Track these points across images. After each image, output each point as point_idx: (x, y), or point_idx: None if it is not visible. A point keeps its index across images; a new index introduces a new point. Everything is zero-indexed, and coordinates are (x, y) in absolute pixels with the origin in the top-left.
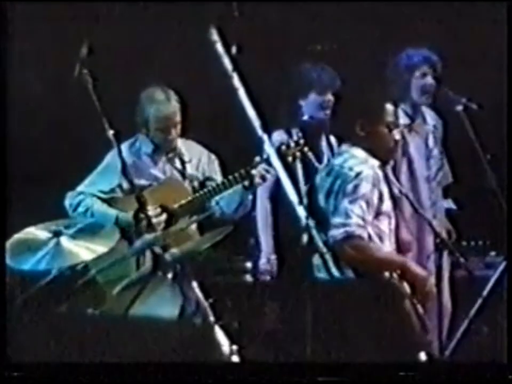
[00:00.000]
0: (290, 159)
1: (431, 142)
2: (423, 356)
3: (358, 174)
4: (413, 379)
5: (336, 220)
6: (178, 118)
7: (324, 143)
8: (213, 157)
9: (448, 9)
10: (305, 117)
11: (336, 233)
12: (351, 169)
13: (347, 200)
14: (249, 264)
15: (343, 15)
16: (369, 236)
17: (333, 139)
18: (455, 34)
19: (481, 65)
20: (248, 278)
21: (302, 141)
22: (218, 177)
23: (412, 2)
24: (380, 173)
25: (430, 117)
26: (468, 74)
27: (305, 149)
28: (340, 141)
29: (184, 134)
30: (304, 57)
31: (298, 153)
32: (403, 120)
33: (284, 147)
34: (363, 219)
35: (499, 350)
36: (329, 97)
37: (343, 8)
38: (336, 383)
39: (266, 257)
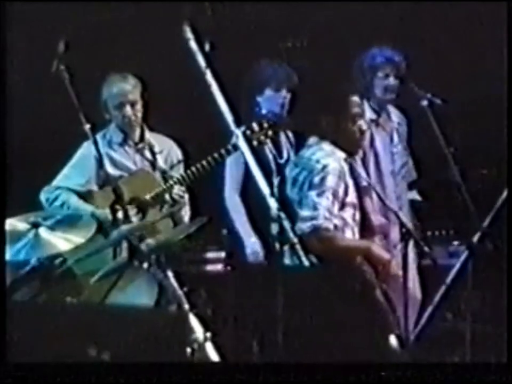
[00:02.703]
0: (255, 143)
1: (395, 138)
2: (393, 339)
3: (324, 167)
4: (412, 379)
5: (304, 212)
6: (134, 97)
7: (282, 138)
8: (179, 151)
9: (413, 8)
10: (263, 112)
11: (304, 226)
12: (318, 161)
13: (314, 192)
14: (222, 254)
15: (313, 13)
16: (335, 226)
17: (290, 134)
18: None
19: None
20: (221, 267)
21: (266, 125)
22: (181, 170)
23: (380, 2)
24: (346, 166)
25: (395, 114)
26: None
27: (270, 132)
28: (299, 135)
29: (146, 120)
30: (275, 53)
31: (263, 137)
32: (370, 114)
33: (249, 131)
34: (329, 211)
35: (499, 350)
36: (285, 93)
37: (313, 7)
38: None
39: (249, 241)
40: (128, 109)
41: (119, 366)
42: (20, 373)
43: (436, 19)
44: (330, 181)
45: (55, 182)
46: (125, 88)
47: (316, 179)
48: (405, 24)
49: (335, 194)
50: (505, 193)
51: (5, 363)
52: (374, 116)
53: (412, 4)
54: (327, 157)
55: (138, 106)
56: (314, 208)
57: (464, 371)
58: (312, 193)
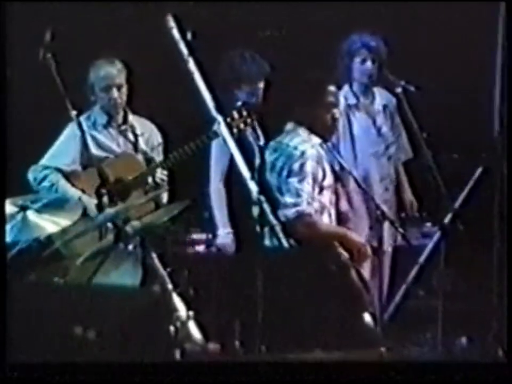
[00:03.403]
0: (235, 130)
1: (379, 120)
2: (367, 317)
3: (303, 153)
4: (412, 378)
5: (287, 199)
6: (120, 80)
7: (259, 126)
8: (159, 134)
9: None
10: (239, 103)
11: (289, 213)
12: (295, 148)
13: (296, 179)
14: (204, 236)
15: (292, 2)
16: (315, 210)
17: (265, 122)
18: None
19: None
20: (203, 248)
21: (245, 113)
22: (160, 154)
23: None
24: (322, 151)
25: (381, 97)
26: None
27: (249, 120)
28: (275, 124)
29: (130, 103)
30: (254, 42)
31: (242, 125)
32: (350, 100)
33: (229, 119)
34: (311, 197)
35: (499, 350)
36: (260, 84)
37: None
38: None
39: (223, 232)
40: (114, 91)
41: (119, 367)
42: (20, 373)
43: (416, 7)
44: (309, 166)
45: (43, 161)
46: (112, 72)
47: (296, 165)
48: (385, 11)
49: (314, 180)
50: (477, 174)
51: (5, 363)
52: (354, 101)
53: None
54: (304, 143)
55: (124, 90)
56: (298, 194)
57: (464, 371)
58: (294, 180)
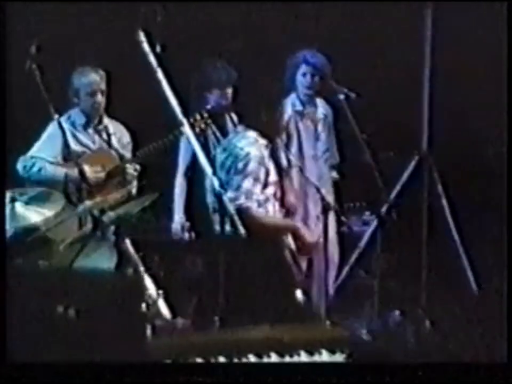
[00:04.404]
0: (198, 130)
1: (320, 127)
2: (299, 293)
3: (247, 154)
4: (411, 378)
5: (229, 194)
6: (103, 86)
7: (229, 124)
8: (128, 134)
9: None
10: (210, 106)
11: (230, 206)
12: (242, 149)
13: (238, 176)
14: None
15: (249, 19)
16: (258, 203)
17: (234, 117)
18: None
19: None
20: (172, 235)
21: (205, 115)
22: (129, 152)
23: (310, 7)
24: (266, 152)
25: (322, 107)
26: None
27: (209, 121)
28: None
29: (108, 109)
30: (217, 54)
31: (203, 125)
32: (297, 106)
33: (191, 119)
34: (251, 192)
35: (499, 350)
36: (229, 89)
37: (251, 11)
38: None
39: (177, 218)
40: (99, 96)
41: (120, 367)
42: (20, 373)
43: (358, 23)
44: (252, 166)
45: (30, 153)
46: (97, 78)
47: (240, 165)
48: (329, 28)
49: (255, 178)
50: (409, 170)
51: (5, 363)
52: (300, 108)
53: (337, 10)
54: (250, 145)
55: (104, 96)
56: (237, 189)
57: (463, 371)
58: (236, 177)
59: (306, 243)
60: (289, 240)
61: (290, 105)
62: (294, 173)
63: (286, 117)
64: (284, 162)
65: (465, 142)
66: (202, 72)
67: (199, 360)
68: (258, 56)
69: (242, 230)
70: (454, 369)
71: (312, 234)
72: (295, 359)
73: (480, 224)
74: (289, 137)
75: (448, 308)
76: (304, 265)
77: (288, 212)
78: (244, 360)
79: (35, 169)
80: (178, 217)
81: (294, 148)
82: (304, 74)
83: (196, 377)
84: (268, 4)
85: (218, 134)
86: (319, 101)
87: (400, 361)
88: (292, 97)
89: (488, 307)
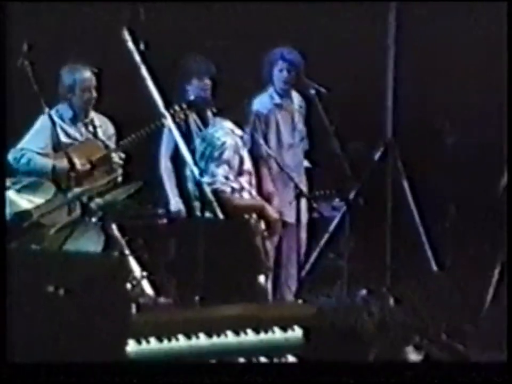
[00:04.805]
0: (178, 119)
1: (296, 118)
2: (261, 278)
3: (223, 144)
4: (411, 378)
5: (205, 180)
6: (95, 82)
7: (209, 114)
8: (112, 126)
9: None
10: (191, 97)
11: (206, 190)
12: (218, 139)
13: (214, 164)
14: (155, 211)
15: (231, 17)
16: (233, 190)
17: (214, 109)
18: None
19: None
20: (155, 221)
21: (184, 106)
22: (113, 143)
23: (288, 7)
24: (240, 142)
25: (297, 99)
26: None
27: (188, 112)
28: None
29: (98, 105)
30: (199, 50)
31: (182, 115)
32: (276, 99)
33: (171, 110)
34: (226, 177)
35: (499, 350)
36: (207, 81)
37: (232, 11)
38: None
39: (174, 200)
40: (93, 92)
41: (119, 367)
42: (19, 373)
43: (330, 23)
44: (227, 155)
45: (20, 145)
46: (89, 74)
47: (216, 153)
48: (304, 27)
49: (229, 165)
50: (375, 159)
51: (5, 363)
52: (278, 101)
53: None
54: (226, 135)
55: (94, 92)
56: (213, 175)
57: (463, 371)
58: (212, 164)
59: (272, 220)
60: (262, 225)
61: (269, 98)
62: (271, 162)
63: (265, 109)
64: (261, 151)
65: (427, 132)
66: (182, 64)
67: (181, 337)
68: (236, 52)
69: (220, 215)
70: (454, 369)
71: (275, 212)
72: (270, 335)
73: (441, 209)
74: (268, 127)
75: (410, 286)
76: (272, 249)
77: (265, 199)
78: (222, 336)
79: (24, 160)
80: (175, 198)
81: (273, 137)
82: (281, 70)
83: (195, 377)
84: (247, 3)
85: (199, 123)
86: (294, 94)
87: (400, 361)
88: (270, 91)
89: (447, 285)
